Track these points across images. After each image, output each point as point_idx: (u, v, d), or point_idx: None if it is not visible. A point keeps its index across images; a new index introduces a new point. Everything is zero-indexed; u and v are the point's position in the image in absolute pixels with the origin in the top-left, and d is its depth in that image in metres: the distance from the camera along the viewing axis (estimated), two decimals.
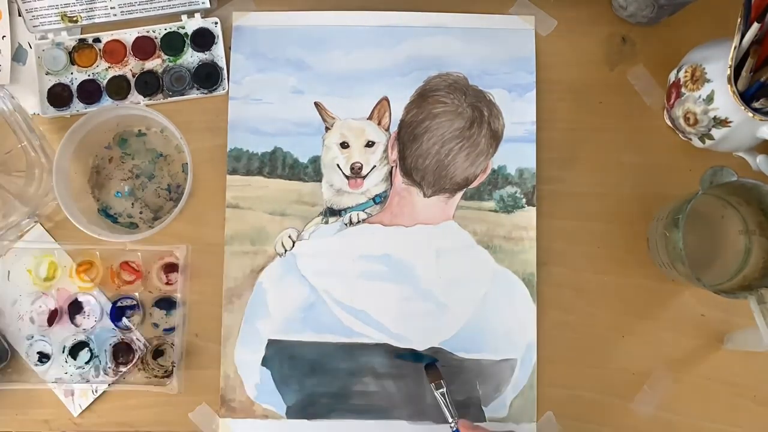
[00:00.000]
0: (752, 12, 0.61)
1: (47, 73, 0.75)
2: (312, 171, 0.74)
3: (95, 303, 0.71)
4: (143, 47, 0.75)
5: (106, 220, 0.73)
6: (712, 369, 0.72)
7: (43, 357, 0.71)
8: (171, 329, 0.71)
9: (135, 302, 0.71)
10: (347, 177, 0.73)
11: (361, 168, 0.73)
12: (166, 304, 0.72)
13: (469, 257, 0.72)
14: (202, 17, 0.75)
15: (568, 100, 0.75)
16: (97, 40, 0.75)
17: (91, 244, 0.70)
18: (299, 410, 0.70)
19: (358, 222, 0.73)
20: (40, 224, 0.72)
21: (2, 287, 0.71)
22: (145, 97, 0.74)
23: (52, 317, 0.71)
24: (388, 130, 0.74)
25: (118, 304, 0.71)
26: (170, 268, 0.72)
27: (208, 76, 0.74)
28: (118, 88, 0.74)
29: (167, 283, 0.72)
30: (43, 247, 0.72)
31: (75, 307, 0.71)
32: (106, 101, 0.74)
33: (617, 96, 0.75)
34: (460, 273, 0.72)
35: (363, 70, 0.75)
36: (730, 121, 0.64)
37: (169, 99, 0.75)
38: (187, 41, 0.75)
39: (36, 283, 0.71)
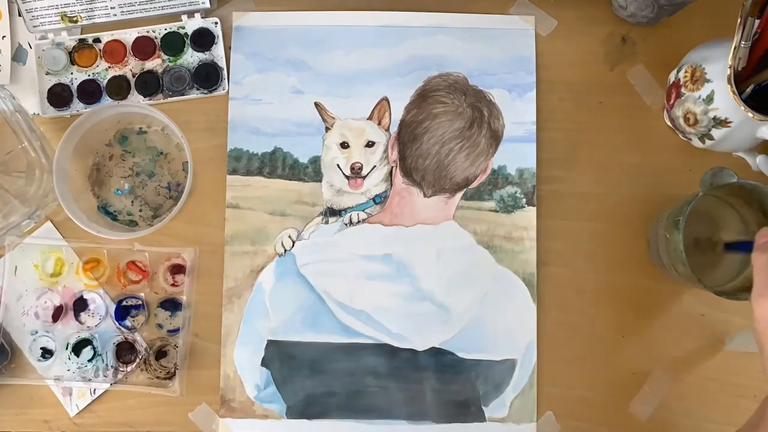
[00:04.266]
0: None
1: (47, 73, 0.75)
2: (312, 171, 0.74)
3: (100, 301, 0.72)
4: (143, 47, 0.75)
5: (105, 217, 0.74)
6: (712, 369, 0.72)
7: (47, 353, 0.71)
8: (175, 330, 0.71)
9: (140, 302, 0.71)
10: (347, 177, 0.73)
11: (361, 168, 0.73)
12: (171, 305, 0.72)
13: (469, 257, 0.72)
14: (202, 17, 0.75)
15: (568, 100, 0.75)
16: (97, 40, 0.75)
17: (99, 242, 0.70)
18: (299, 410, 0.70)
19: (358, 222, 0.73)
20: (50, 220, 0.72)
21: (9, 282, 0.71)
22: (145, 97, 0.74)
23: (57, 313, 0.71)
24: (388, 130, 0.74)
25: (123, 303, 0.71)
26: (176, 269, 0.72)
27: (208, 76, 0.74)
28: (118, 88, 0.74)
29: (173, 285, 0.72)
30: (50, 243, 0.72)
31: (80, 305, 0.72)
32: (106, 101, 0.74)
33: (617, 96, 0.75)
34: (460, 273, 0.72)
35: (363, 70, 0.75)
36: (730, 121, 0.64)
37: (169, 99, 0.75)
38: (187, 41, 0.75)
39: (42, 279, 0.72)
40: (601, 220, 0.74)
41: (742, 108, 0.61)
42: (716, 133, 0.66)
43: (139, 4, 0.74)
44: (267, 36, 0.75)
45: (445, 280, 0.71)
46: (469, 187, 0.73)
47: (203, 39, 0.75)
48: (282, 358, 0.70)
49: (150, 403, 0.70)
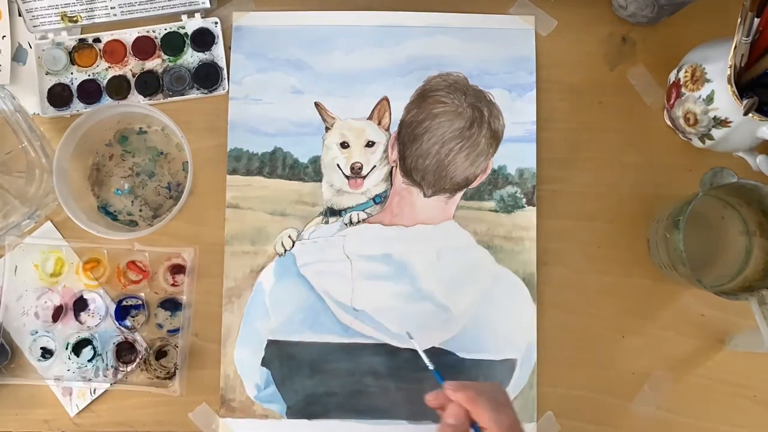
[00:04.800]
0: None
1: (47, 73, 0.75)
2: (312, 171, 0.74)
3: (100, 301, 0.72)
4: (143, 47, 0.75)
5: (105, 217, 0.74)
6: (712, 369, 0.72)
7: (47, 353, 0.71)
8: (175, 330, 0.71)
9: (140, 302, 0.71)
10: (347, 177, 0.73)
11: (361, 168, 0.73)
12: (171, 305, 0.72)
13: (469, 257, 0.72)
14: (202, 17, 0.75)
15: (568, 100, 0.75)
16: (97, 40, 0.75)
17: (99, 242, 0.70)
18: (299, 410, 0.70)
19: (358, 222, 0.73)
20: (50, 220, 0.72)
21: (9, 282, 0.71)
22: (145, 97, 0.74)
23: (57, 313, 0.71)
24: (388, 130, 0.74)
25: (123, 303, 0.71)
26: (176, 269, 0.72)
27: (208, 76, 0.74)
28: (118, 88, 0.74)
29: (173, 285, 0.72)
30: (50, 243, 0.72)
31: (80, 305, 0.72)
32: (106, 101, 0.74)
33: (617, 96, 0.75)
34: (460, 273, 0.72)
35: (363, 70, 0.75)
36: (730, 121, 0.64)
37: (169, 99, 0.75)
38: (187, 41, 0.75)
39: (42, 279, 0.72)
40: (601, 220, 0.73)
41: (742, 108, 0.61)
42: (716, 133, 0.66)
43: (139, 4, 0.74)
44: (267, 36, 0.75)
45: (445, 280, 0.71)
46: (469, 187, 0.73)
47: (203, 39, 0.75)
48: (282, 358, 0.70)
49: (150, 403, 0.70)
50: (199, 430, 0.70)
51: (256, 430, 0.70)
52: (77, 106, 0.74)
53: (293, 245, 0.72)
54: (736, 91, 0.62)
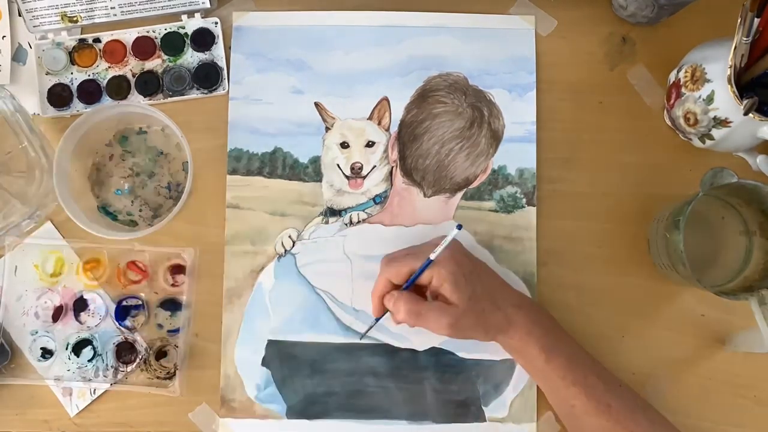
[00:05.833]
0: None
1: (47, 73, 0.75)
2: (312, 171, 0.74)
3: (100, 301, 0.72)
4: (143, 47, 0.75)
5: (105, 217, 0.74)
6: (712, 369, 0.72)
7: (47, 353, 0.71)
8: (175, 330, 0.71)
9: (140, 302, 0.71)
10: (347, 177, 0.73)
11: (361, 168, 0.73)
12: (171, 305, 0.72)
13: None
14: (202, 17, 0.75)
15: (568, 100, 0.75)
16: (97, 40, 0.75)
17: (99, 242, 0.70)
18: (299, 410, 0.70)
19: (359, 222, 0.73)
20: (50, 221, 0.72)
21: (9, 282, 0.71)
22: (145, 97, 0.74)
23: (57, 313, 0.71)
24: (388, 130, 0.74)
25: (123, 303, 0.71)
26: (177, 269, 0.72)
27: (208, 76, 0.74)
28: (118, 88, 0.74)
29: (173, 285, 0.72)
30: (50, 244, 0.72)
31: (80, 305, 0.71)
32: (106, 101, 0.74)
33: (617, 96, 0.75)
34: None
35: (363, 70, 0.75)
36: (730, 121, 0.64)
37: (169, 99, 0.75)
38: (187, 41, 0.75)
39: (42, 279, 0.72)
40: (601, 220, 0.73)
41: (743, 108, 0.61)
42: (716, 133, 0.66)
43: (139, 4, 0.74)
44: (267, 36, 0.75)
45: None
46: (469, 187, 0.73)
47: (203, 39, 0.75)
48: (282, 358, 0.70)
49: (150, 403, 0.70)
50: (199, 430, 0.70)
51: (256, 430, 0.70)
52: (77, 106, 0.74)
53: (293, 245, 0.72)
54: (736, 91, 0.62)
